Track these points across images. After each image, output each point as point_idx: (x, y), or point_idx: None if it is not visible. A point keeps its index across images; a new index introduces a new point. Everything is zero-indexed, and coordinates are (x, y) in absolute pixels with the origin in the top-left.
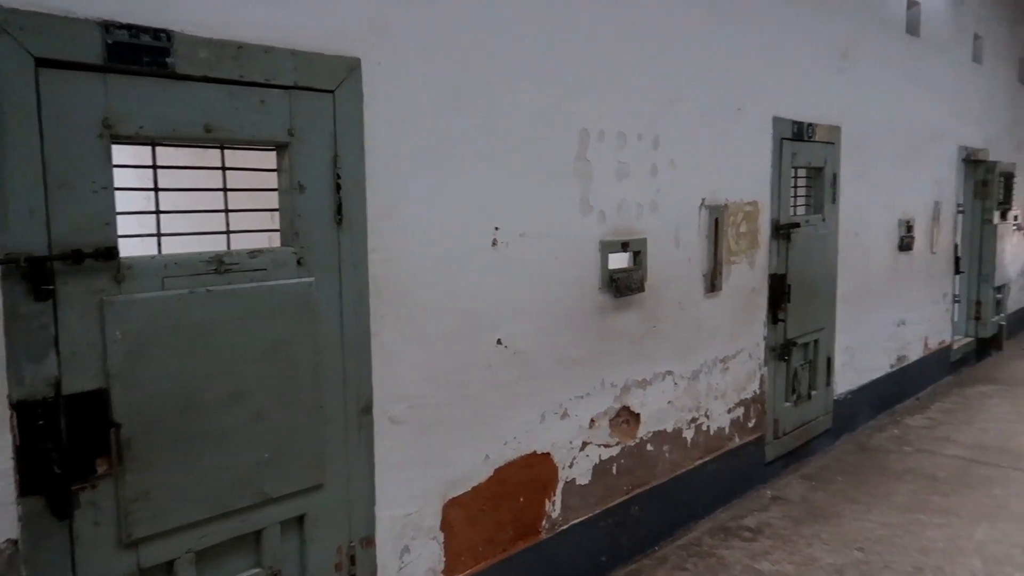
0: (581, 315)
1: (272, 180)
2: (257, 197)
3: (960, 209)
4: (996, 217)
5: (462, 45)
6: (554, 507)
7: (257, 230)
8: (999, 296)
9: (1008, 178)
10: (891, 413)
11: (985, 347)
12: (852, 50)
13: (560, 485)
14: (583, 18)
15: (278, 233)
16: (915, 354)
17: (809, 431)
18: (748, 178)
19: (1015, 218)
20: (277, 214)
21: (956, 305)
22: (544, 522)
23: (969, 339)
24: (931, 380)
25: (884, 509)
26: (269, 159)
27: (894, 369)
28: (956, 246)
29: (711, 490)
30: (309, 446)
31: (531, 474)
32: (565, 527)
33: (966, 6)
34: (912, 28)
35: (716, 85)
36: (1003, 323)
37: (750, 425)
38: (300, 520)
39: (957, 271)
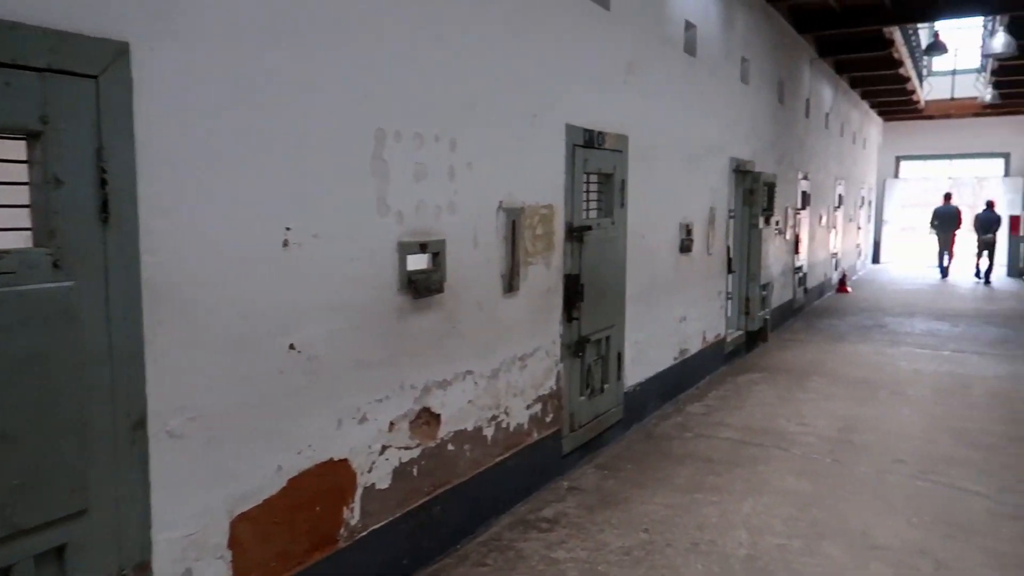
0: (379, 317)
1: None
2: (8, 192)
3: (731, 215)
4: (761, 222)
5: (251, 35)
6: (352, 514)
7: (7, 228)
8: (765, 293)
9: (770, 188)
10: (675, 402)
11: (753, 339)
12: (637, 65)
13: (359, 491)
14: (381, 17)
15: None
16: (695, 347)
17: (602, 423)
18: (543, 182)
19: (776, 223)
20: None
21: (729, 302)
22: (342, 530)
23: (740, 332)
24: (709, 370)
25: (667, 491)
26: (19, 149)
27: (677, 362)
28: (728, 248)
29: (511, 485)
30: (69, 468)
31: (327, 482)
32: (364, 533)
33: (735, 32)
34: (690, 48)
35: (513, 92)
36: (768, 317)
37: (548, 420)
38: (60, 551)
39: (729, 271)
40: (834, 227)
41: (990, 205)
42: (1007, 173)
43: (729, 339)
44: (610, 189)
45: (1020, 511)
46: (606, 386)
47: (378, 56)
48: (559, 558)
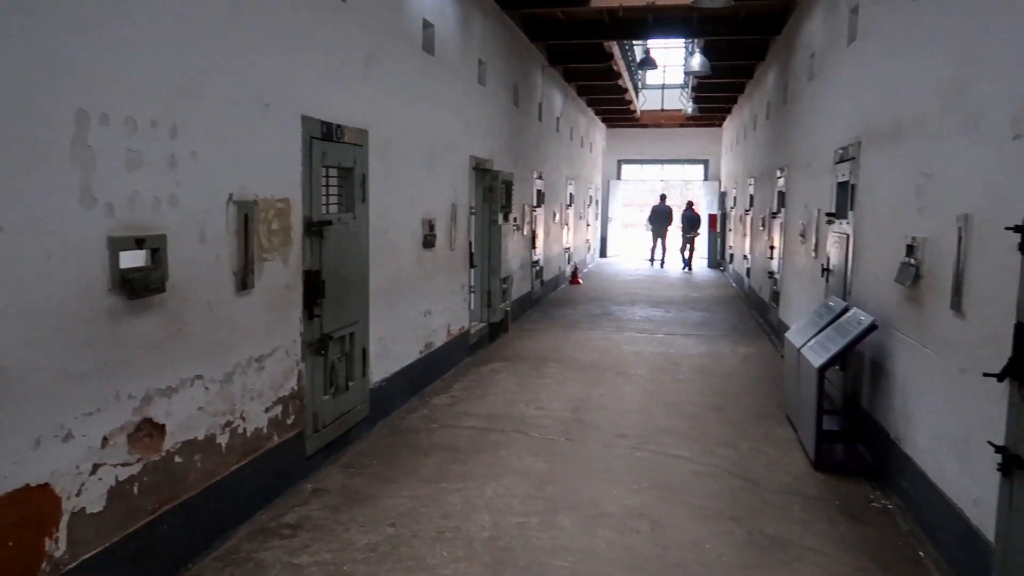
0: (86, 321)
1: None
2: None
3: (472, 211)
4: (500, 219)
5: None
6: (57, 545)
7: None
8: (505, 286)
9: (508, 186)
10: (421, 395)
11: (496, 330)
12: (376, 59)
13: (65, 518)
14: None
15: None
16: (440, 340)
17: (348, 420)
18: (279, 175)
19: (515, 220)
20: None
21: (472, 295)
22: (45, 565)
23: (483, 324)
24: (454, 362)
25: (413, 484)
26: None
27: (423, 355)
28: (471, 243)
29: (250, 493)
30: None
31: (22, 512)
32: (74, 565)
33: (472, 34)
34: (428, 46)
35: (241, 79)
36: (508, 309)
37: (289, 422)
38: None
39: (472, 265)
40: (567, 224)
41: (690, 205)
42: (706, 177)
43: (473, 331)
44: (351, 183)
45: (716, 470)
46: (351, 383)
47: (74, 27)
48: (302, 563)
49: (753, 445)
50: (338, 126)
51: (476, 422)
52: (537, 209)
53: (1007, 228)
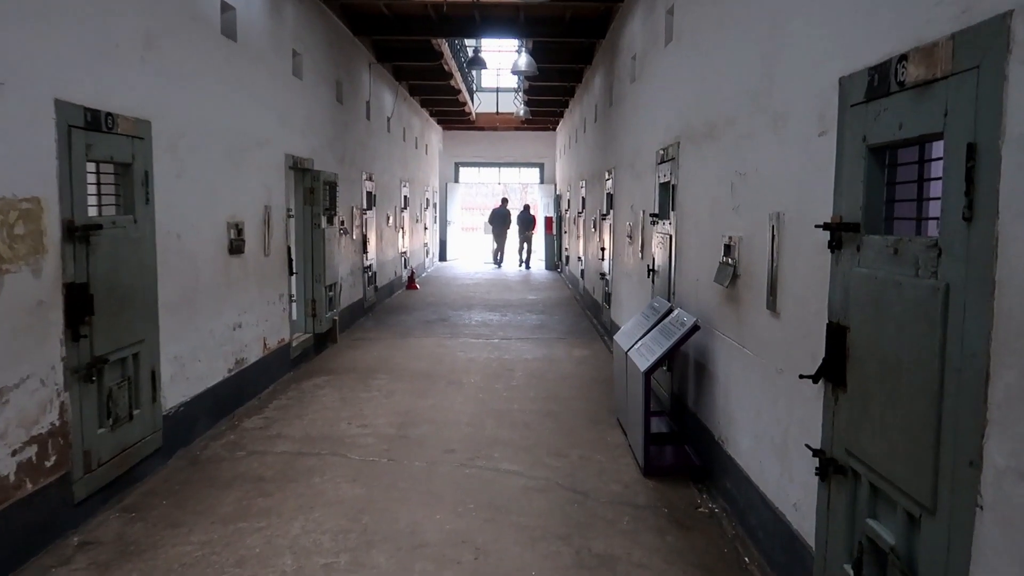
0: None
1: None
2: None
3: (291, 214)
4: (324, 222)
5: None
6: None
7: None
8: (332, 294)
9: (332, 187)
10: (230, 418)
11: (323, 341)
12: (159, 40)
13: None
14: None
15: None
16: (254, 355)
17: (133, 455)
18: (23, 170)
19: (341, 223)
20: None
21: (293, 304)
22: None
23: (308, 335)
24: (272, 379)
25: (207, 525)
26: None
27: (233, 373)
28: (290, 249)
29: None
30: None
31: None
32: None
33: (284, 23)
34: (228, 31)
35: None
36: (336, 318)
37: (49, 464)
38: None
39: (292, 272)
40: (402, 227)
41: (527, 208)
42: (542, 180)
43: (295, 343)
44: (130, 182)
45: (546, 484)
46: (137, 412)
47: None
48: None
49: (584, 453)
50: (109, 114)
51: (290, 446)
52: (368, 212)
53: (816, 226)
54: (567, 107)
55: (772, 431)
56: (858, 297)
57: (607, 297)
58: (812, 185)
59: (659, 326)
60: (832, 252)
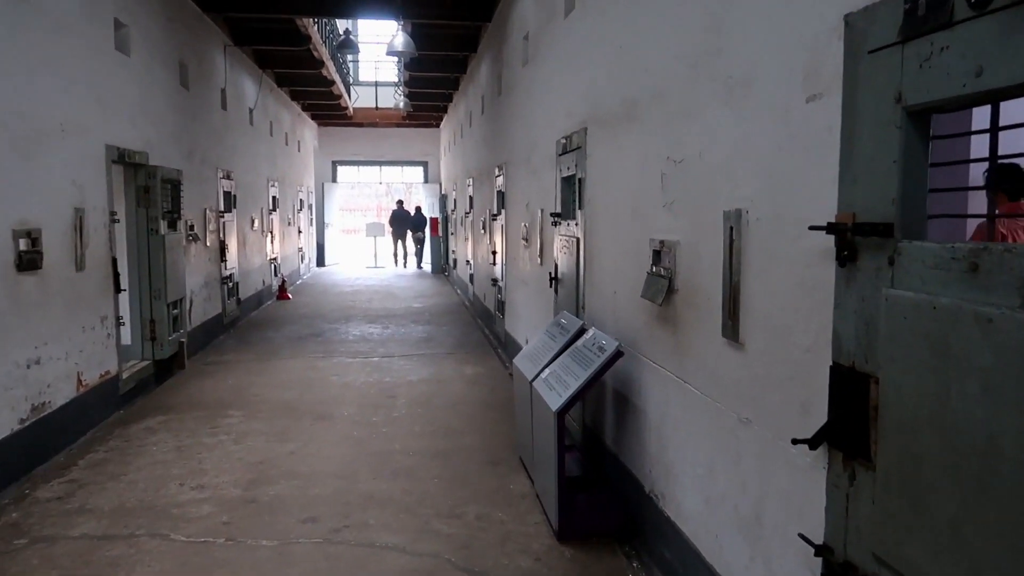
0: None
1: None
2: None
3: (115, 218)
4: (164, 227)
5: None
6: None
7: None
8: (176, 312)
9: (175, 186)
10: (21, 485)
11: (167, 368)
12: None
13: None
14: None
15: None
16: (63, 397)
17: None
18: None
19: (191, 228)
20: None
21: (124, 327)
22: None
23: (145, 363)
24: (91, 423)
25: None
26: None
27: (26, 424)
28: (115, 261)
29: None
30: None
31: None
32: None
33: None
34: None
35: None
36: (184, 340)
37: None
38: None
39: (118, 289)
40: (270, 231)
41: (418, 209)
42: (426, 180)
43: (127, 374)
44: None
45: (434, 564)
46: None
47: None
48: None
49: (483, 509)
50: None
51: (94, 525)
52: (227, 215)
53: (813, 228)
54: (451, 101)
55: (735, 499)
56: (896, 334)
57: (500, 306)
58: (795, 171)
59: (570, 350)
60: (841, 265)
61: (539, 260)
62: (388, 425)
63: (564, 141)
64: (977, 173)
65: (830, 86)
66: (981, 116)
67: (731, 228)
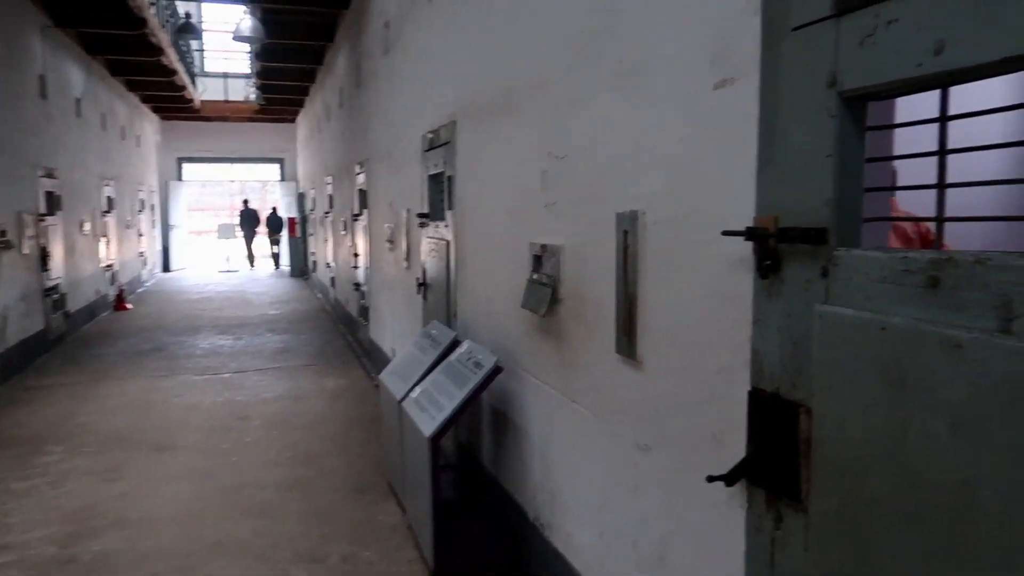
0: None
1: None
2: None
3: None
4: None
5: None
6: None
7: None
8: None
9: None
10: None
11: None
12: None
13: None
14: None
15: None
16: None
17: None
18: None
19: (2, 234)
20: None
21: None
22: None
23: None
24: None
25: None
26: None
27: None
28: None
29: None
30: None
31: None
32: None
33: None
34: None
35: None
36: None
37: None
38: None
39: None
40: (105, 235)
41: (275, 209)
42: (283, 177)
43: None
44: None
45: None
46: None
47: None
48: None
49: (349, 549)
50: None
51: None
52: (49, 218)
53: (728, 233)
54: (308, 94)
55: (634, 534)
56: (834, 357)
57: (364, 312)
58: (703, 167)
59: (443, 365)
60: (762, 276)
61: (405, 264)
62: (239, 453)
63: (431, 136)
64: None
65: (744, 69)
66: (905, 105)
67: (625, 232)
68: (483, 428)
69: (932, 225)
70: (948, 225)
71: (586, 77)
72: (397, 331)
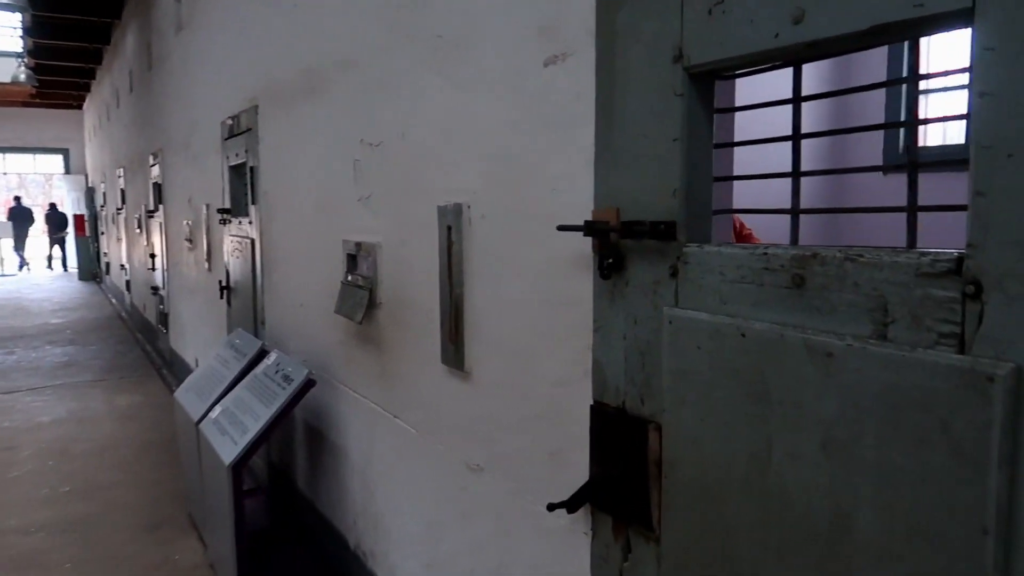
0: None
1: None
2: None
3: None
4: None
5: None
6: None
7: None
8: None
9: None
10: None
11: None
12: None
13: None
14: None
15: None
16: None
17: None
18: None
19: None
20: None
21: None
22: None
23: None
24: None
25: None
26: None
27: None
28: None
29: None
30: None
31: None
32: None
33: None
34: None
35: None
36: None
37: None
38: None
39: None
40: None
41: (52, 206)
42: (68, 170)
43: None
44: None
45: None
46: None
47: None
48: None
49: None
50: None
51: None
52: None
53: (563, 227)
54: (95, 77)
55: (466, 565)
56: (687, 368)
57: (164, 318)
58: (535, 154)
59: (248, 379)
60: (603, 277)
61: (207, 265)
62: (1, 491)
63: (231, 122)
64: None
65: (577, 43)
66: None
67: (449, 228)
68: (297, 446)
69: (753, 230)
70: (761, 226)
71: (400, 55)
72: (200, 340)
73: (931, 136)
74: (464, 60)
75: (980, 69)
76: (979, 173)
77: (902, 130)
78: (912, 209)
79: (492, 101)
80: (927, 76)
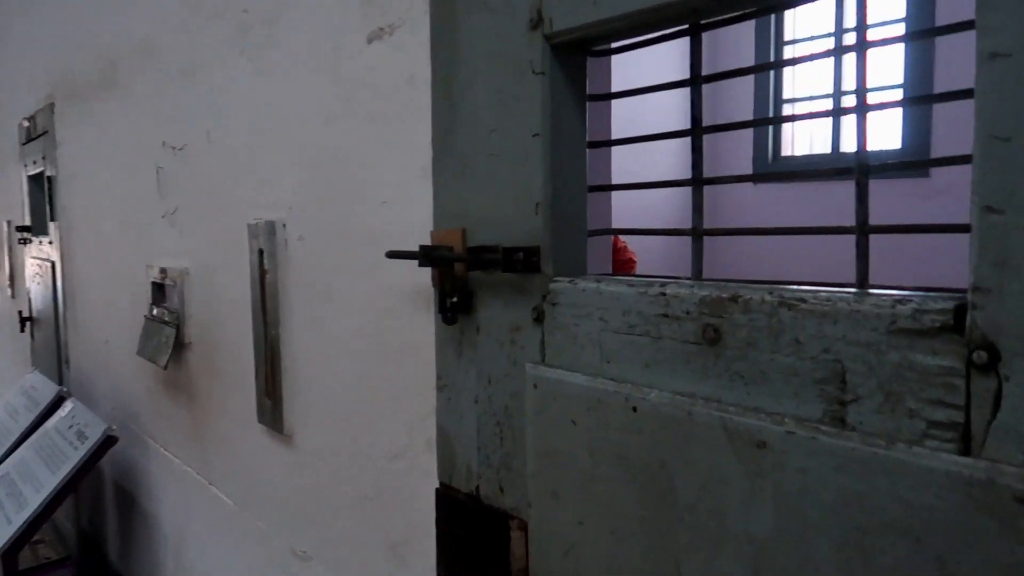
0: None
1: None
2: None
3: None
4: None
5: None
6: None
7: None
8: None
9: None
10: None
11: None
12: None
13: None
14: None
15: None
16: None
17: None
18: None
19: None
20: None
21: None
22: None
23: None
24: None
25: None
26: None
27: None
28: None
29: None
30: None
31: None
32: None
33: None
34: None
35: None
36: None
37: None
38: None
39: None
40: None
41: None
42: None
43: None
44: None
45: None
46: None
47: None
48: None
49: None
50: None
51: None
52: None
53: (393, 254)
54: None
55: None
56: (558, 449)
57: None
58: (360, 157)
59: (36, 436)
60: (447, 321)
61: (9, 291)
62: None
63: (28, 124)
64: (623, 164)
65: (408, 10)
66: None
67: (261, 252)
68: (108, 509)
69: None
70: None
71: (202, 39)
72: (2, 380)
73: (797, 145)
74: (273, 40)
75: (990, 20)
76: (990, 178)
77: (771, 138)
78: (864, 230)
79: (306, 90)
80: (874, 44)
